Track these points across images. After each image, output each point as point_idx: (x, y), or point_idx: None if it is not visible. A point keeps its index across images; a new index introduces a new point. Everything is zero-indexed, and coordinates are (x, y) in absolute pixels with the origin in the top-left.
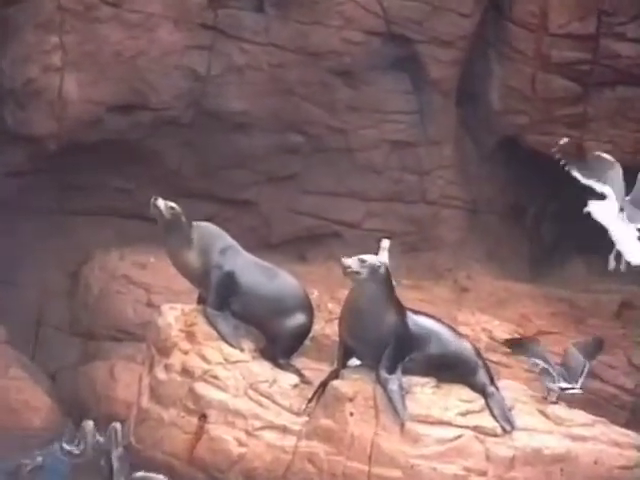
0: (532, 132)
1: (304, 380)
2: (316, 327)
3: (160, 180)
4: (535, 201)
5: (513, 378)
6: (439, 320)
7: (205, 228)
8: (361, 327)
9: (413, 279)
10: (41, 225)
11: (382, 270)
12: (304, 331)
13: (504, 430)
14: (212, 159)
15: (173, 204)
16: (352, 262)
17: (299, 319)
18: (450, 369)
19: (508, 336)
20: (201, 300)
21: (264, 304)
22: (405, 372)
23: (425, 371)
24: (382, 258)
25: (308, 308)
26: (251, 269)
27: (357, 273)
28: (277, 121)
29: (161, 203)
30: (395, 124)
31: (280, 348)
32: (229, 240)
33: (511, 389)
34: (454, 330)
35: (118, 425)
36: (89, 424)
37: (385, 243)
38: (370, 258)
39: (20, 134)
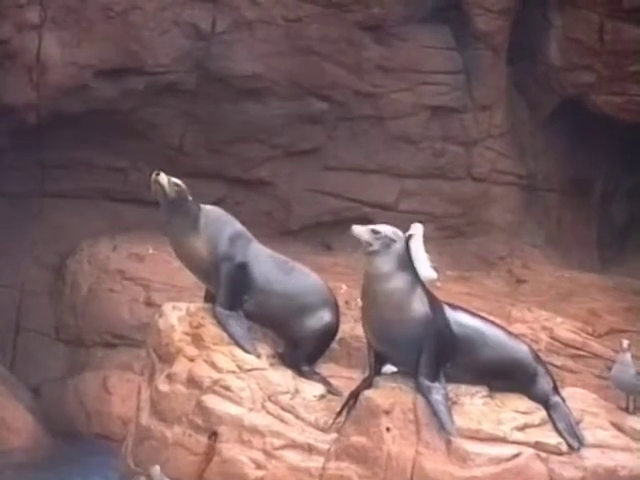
0: (600, 92)
1: (332, 390)
2: (345, 327)
3: (158, 157)
4: (603, 175)
5: (581, 385)
6: (486, 318)
7: (212, 212)
8: (381, 321)
9: (459, 270)
10: (18, 211)
11: (399, 245)
12: (330, 332)
13: (570, 447)
14: (219, 132)
15: (178, 180)
16: (362, 231)
17: (323, 318)
18: (501, 376)
19: (573, 335)
20: (209, 298)
21: (282, 302)
22: (447, 380)
23: (470, 378)
24: (399, 231)
25: (333, 305)
26: (266, 261)
27: (368, 244)
28: (295, 86)
29: (164, 179)
30: (435, 86)
31: (303, 353)
32: (239, 227)
33: (578, 398)
34: (505, 330)
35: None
36: (156, 470)
37: (417, 229)
38: (385, 229)
39: None
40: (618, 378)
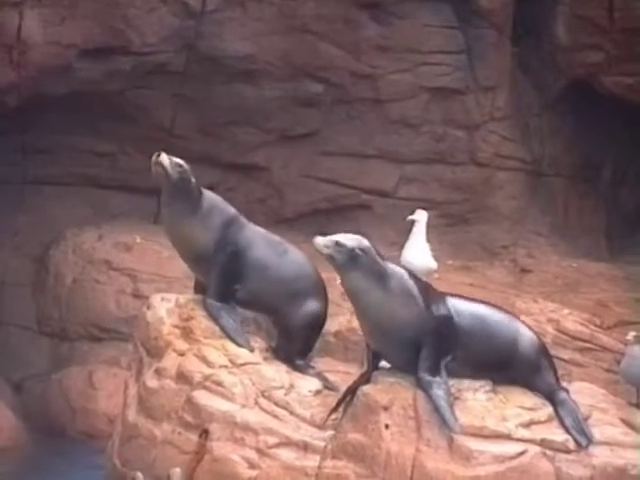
0: (609, 72)
1: (328, 385)
2: (341, 320)
3: (147, 141)
4: (612, 160)
5: (589, 380)
6: (489, 304)
7: (212, 197)
8: (376, 330)
9: (461, 259)
10: None
11: (365, 258)
12: (320, 320)
13: (578, 444)
14: (211, 115)
15: (180, 161)
16: (325, 242)
17: (312, 306)
18: (504, 369)
19: (580, 327)
20: (199, 288)
21: (275, 288)
22: (448, 374)
23: (472, 372)
24: (364, 241)
25: (322, 292)
26: (259, 245)
27: (332, 258)
28: (289, 67)
29: (165, 160)
30: (436, 67)
31: (295, 345)
32: (232, 212)
33: (587, 394)
34: (510, 314)
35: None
36: (176, 473)
37: (421, 215)
38: (348, 240)
39: None
40: (627, 372)
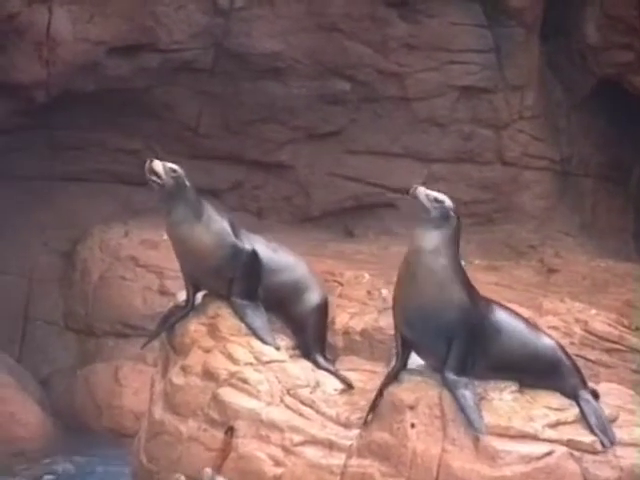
0: (639, 72)
1: (345, 382)
2: (367, 319)
3: (173, 139)
4: None
5: (617, 381)
6: (513, 311)
7: (208, 201)
8: (418, 299)
9: (487, 258)
10: (27, 194)
11: (454, 222)
12: (325, 308)
13: (603, 445)
14: (237, 112)
15: (174, 166)
16: (421, 193)
17: (315, 298)
18: (528, 372)
19: (608, 328)
20: (188, 304)
21: (280, 283)
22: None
23: (496, 376)
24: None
25: (320, 282)
26: (259, 243)
27: (426, 211)
28: (317, 65)
29: (158, 165)
30: (464, 66)
31: (311, 340)
32: (229, 214)
33: (614, 395)
34: (527, 322)
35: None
36: (207, 473)
37: None
38: (448, 200)
39: (0, 83)
40: None
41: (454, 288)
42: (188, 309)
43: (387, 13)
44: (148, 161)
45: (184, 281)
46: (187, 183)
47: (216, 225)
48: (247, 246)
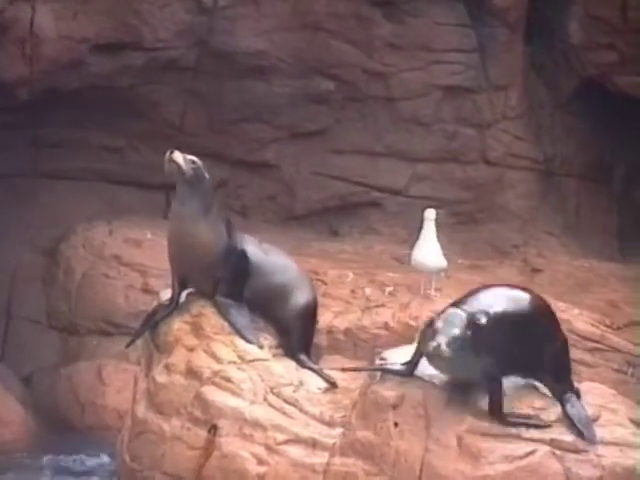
0: (622, 72)
1: (329, 381)
2: (351, 318)
3: (158, 137)
4: (625, 160)
5: (599, 380)
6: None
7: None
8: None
9: (470, 258)
10: (10, 192)
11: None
12: (312, 310)
13: (584, 439)
14: (222, 111)
15: (194, 157)
16: (178, 156)
17: (301, 297)
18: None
19: (591, 328)
20: (172, 302)
21: (270, 285)
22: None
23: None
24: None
25: (309, 283)
26: (250, 244)
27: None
28: (301, 64)
29: (179, 156)
30: (448, 66)
31: (296, 340)
32: (225, 211)
33: (596, 394)
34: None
35: None
36: None
37: (430, 214)
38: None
39: None
40: None
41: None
42: (172, 307)
43: (371, 13)
44: (168, 152)
45: (172, 277)
46: (206, 175)
47: (217, 224)
48: (238, 246)
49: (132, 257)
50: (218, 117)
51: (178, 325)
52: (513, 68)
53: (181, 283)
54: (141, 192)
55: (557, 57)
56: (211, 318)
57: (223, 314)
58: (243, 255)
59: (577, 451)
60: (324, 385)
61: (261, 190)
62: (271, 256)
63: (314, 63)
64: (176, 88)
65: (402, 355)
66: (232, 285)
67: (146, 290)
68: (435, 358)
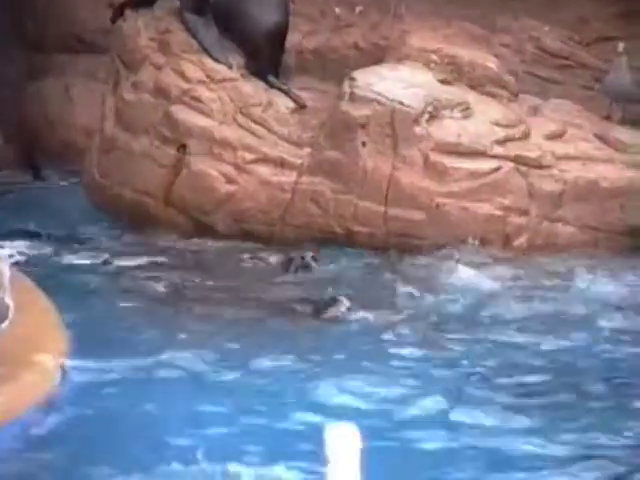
0: None
1: (298, 102)
2: (320, 38)
3: None
4: None
5: (566, 97)
6: None
7: None
8: None
9: None
10: None
11: None
12: (283, 33)
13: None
14: None
15: None
16: None
17: (273, 17)
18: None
19: (560, 45)
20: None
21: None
22: None
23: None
24: None
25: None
26: None
27: None
28: None
29: None
30: None
31: (264, 59)
32: None
33: (563, 110)
34: None
35: None
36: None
37: None
38: None
39: None
40: (612, 85)
41: None
42: None
43: None
44: None
45: None
46: None
47: None
48: None
49: None
50: None
51: (145, 42)
52: None
53: None
54: None
55: None
56: (179, 35)
57: (191, 31)
58: None
59: (540, 167)
60: (293, 105)
61: None
62: None
63: None
64: None
65: (371, 75)
66: None
67: (113, 5)
68: None
